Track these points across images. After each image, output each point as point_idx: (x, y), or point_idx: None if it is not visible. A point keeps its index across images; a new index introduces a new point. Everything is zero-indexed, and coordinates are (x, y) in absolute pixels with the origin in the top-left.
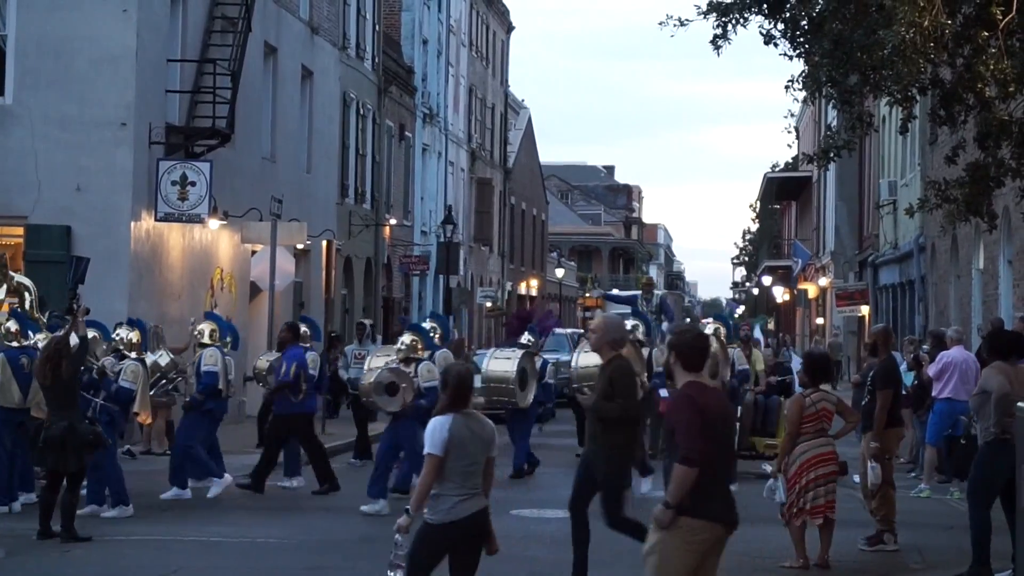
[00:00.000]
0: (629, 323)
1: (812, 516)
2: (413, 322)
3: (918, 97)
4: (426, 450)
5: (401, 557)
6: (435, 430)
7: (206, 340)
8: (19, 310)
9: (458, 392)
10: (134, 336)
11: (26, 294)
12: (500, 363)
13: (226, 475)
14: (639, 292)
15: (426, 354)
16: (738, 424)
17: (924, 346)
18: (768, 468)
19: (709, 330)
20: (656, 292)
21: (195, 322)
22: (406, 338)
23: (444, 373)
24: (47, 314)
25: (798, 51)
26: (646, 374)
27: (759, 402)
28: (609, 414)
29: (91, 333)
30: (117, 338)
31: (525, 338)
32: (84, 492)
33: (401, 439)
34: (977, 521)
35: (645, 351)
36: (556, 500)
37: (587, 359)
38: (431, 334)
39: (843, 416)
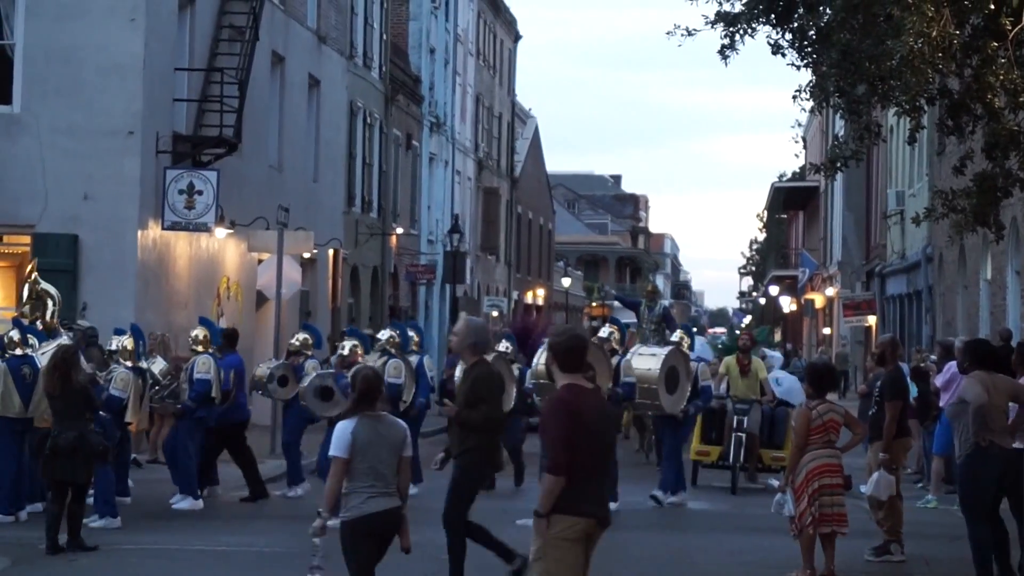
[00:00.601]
0: (605, 330)
1: (820, 524)
2: (353, 328)
3: (926, 107)
4: (331, 452)
5: (320, 559)
6: (340, 434)
7: (199, 347)
8: (23, 319)
9: (364, 395)
10: (128, 343)
11: (49, 302)
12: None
13: (199, 501)
14: (640, 302)
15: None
16: (744, 436)
17: (931, 356)
18: (775, 483)
19: (604, 333)
20: (661, 302)
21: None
22: (348, 344)
23: (352, 376)
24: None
25: (806, 61)
26: (611, 383)
27: (766, 413)
28: (472, 422)
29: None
30: (117, 347)
31: (503, 345)
32: (90, 501)
33: None
34: (975, 536)
35: (615, 359)
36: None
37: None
38: (409, 341)
39: (850, 428)
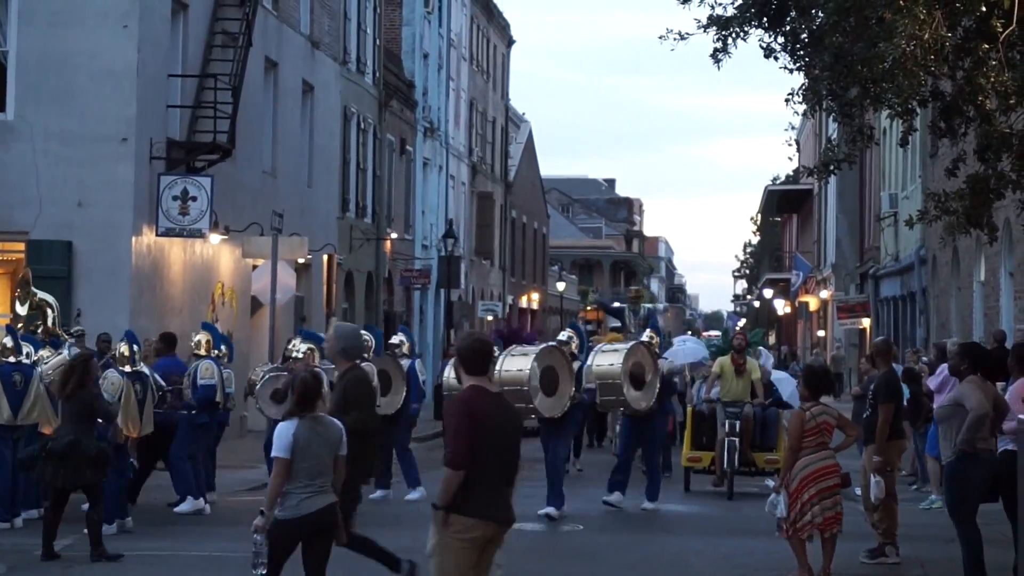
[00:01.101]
0: (564, 334)
1: (823, 529)
2: (309, 331)
3: (918, 110)
4: (273, 453)
5: (263, 555)
6: (281, 434)
7: (201, 352)
8: (17, 327)
9: (303, 398)
10: (124, 349)
11: (48, 311)
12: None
13: (201, 500)
14: (625, 306)
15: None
16: (737, 440)
17: (924, 357)
18: (771, 483)
19: (563, 336)
20: (645, 305)
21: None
22: (302, 347)
23: (294, 380)
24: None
25: (798, 64)
26: (574, 388)
27: (757, 416)
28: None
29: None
30: (118, 354)
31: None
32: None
33: None
34: (965, 538)
35: (576, 364)
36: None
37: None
38: (400, 347)
39: (843, 430)
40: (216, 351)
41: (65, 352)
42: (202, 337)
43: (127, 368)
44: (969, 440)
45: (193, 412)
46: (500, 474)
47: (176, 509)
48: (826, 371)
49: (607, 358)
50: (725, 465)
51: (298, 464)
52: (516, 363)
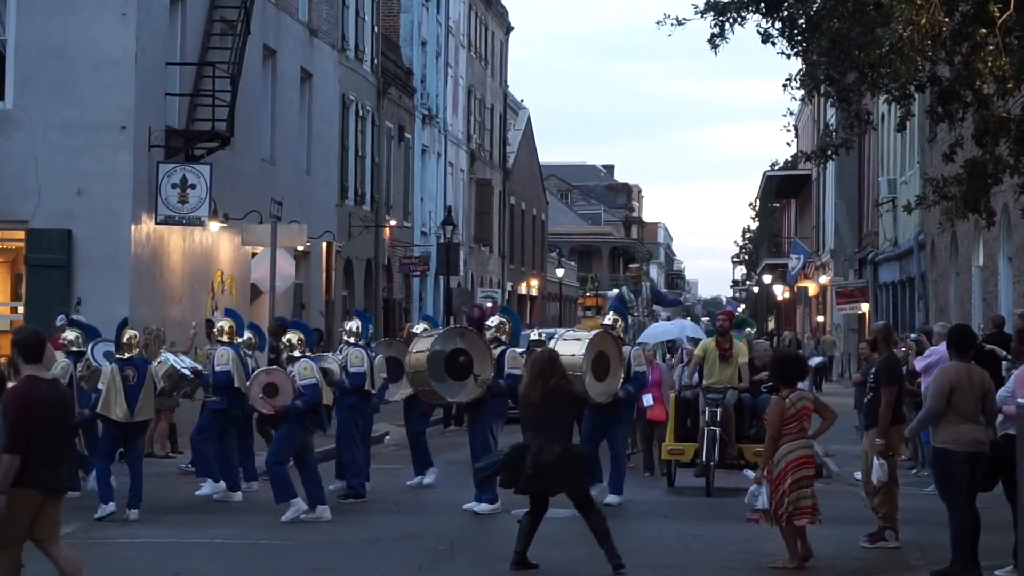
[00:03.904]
0: (494, 320)
1: (798, 517)
2: (296, 320)
3: (916, 95)
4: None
5: None
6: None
7: (224, 338)
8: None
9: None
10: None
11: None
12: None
13: (222, 484)
14: (623, 287)
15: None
16: (718, 430)
17: (912, 335)
18: (751, 475)
19: (492, 322)
20: (644, 283)
21: (196, 324)
22: (293, 337)
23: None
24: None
25: (796, 49)
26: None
27: (747, 403)
28: None
29: (72, 334)
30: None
31: (419, 327)
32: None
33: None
34: (955, 519)
35: (499, 350)
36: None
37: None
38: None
39: (820, 414)
40: (240, 338)
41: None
42: (225, 324)
43: (126, 355)
44: (913, 430)
45: (215, 399)
46: (54, 448)
47: (197, 493)
48: (796, 357)
49: (569, 347)
50: (704, 457)
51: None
52: (569, 347)
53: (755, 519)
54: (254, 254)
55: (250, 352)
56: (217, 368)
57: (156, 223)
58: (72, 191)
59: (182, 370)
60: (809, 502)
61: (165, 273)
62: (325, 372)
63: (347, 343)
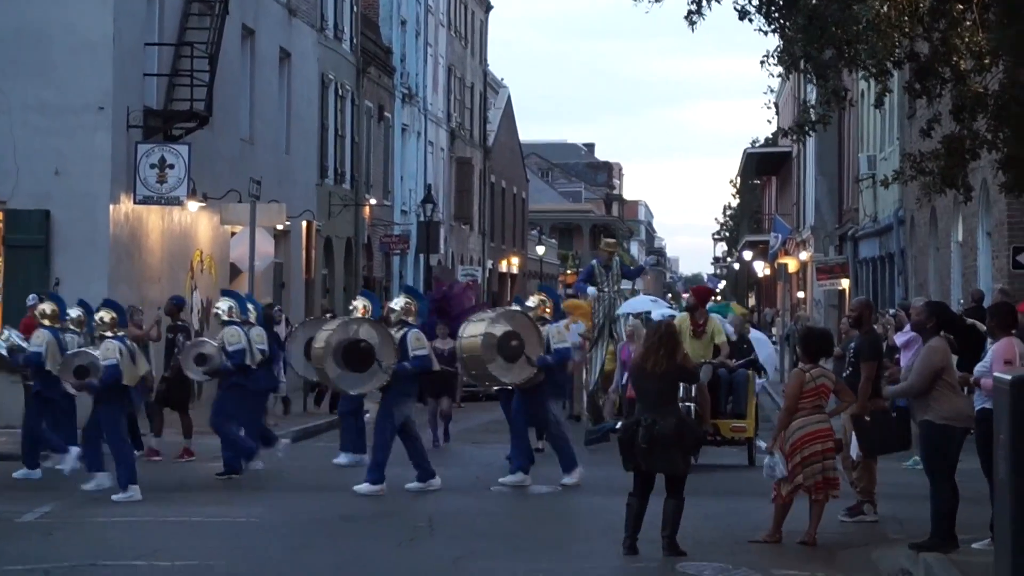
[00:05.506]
0: (400, 301)
1: (813, 492)
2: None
3: (893, 71)
4: None
5: None
6: None
7: (225, 318)
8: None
9: None
10: (75, 313)
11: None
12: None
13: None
14: (594, 260)
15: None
16: (692, 406)
17: (891, 310)
18: (763, 444)
19: (396, 305)
20: (615, 259)
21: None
22: (223, 305)
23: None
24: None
25: (773, 26)
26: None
27: (723, 379)
28: None
29: (49, 306)
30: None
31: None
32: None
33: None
34: (939, 494)
35: (402, 332)
36: (538, 476)
37: (474, 328)
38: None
39: (838, 396)
40: (243, 317)
41: None
42: (223, 304)
43: (109, 334)
44: (893, 394)
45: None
46: None
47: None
48: (824, 334)
49: (473, 328)
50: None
51: None
52: (473, 329)
53: (778, 498)
54: (233, 233)
55: (78, 331)
56: (230, 347)
57: (135, 203)
58: (50, 172)
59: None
60: (822, 476)
61: (144, 253)
62: (204, 357)
63: (223, 321)
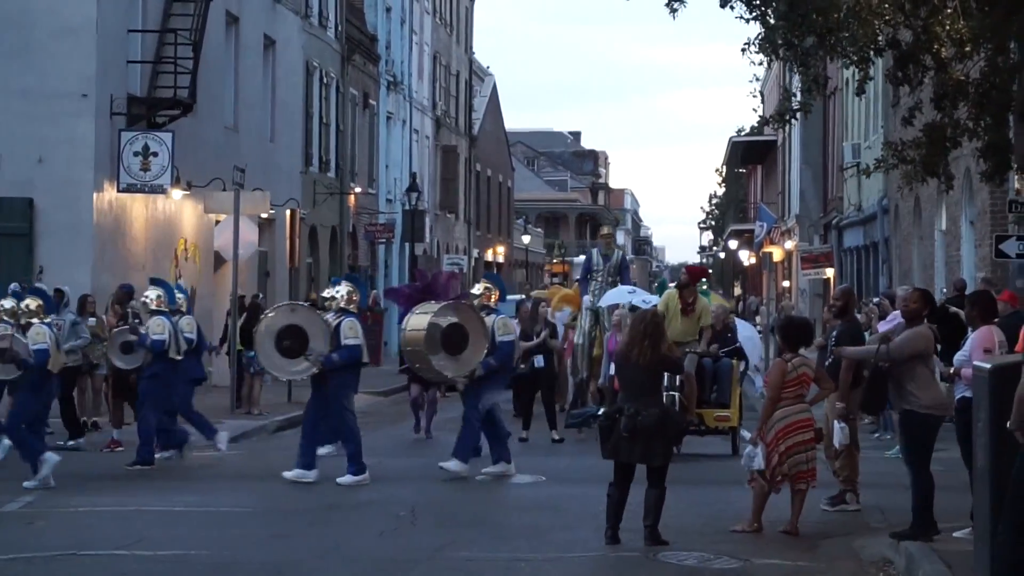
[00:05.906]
0: (343, 289)
1: (795, 481)
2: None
3: (874, 59)
4: None
5: None
6: None
7: (153, 307)
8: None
9: None
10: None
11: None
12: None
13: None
14: (594, 249)
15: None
16: (676, 396)
17: (875, 299)
18: (747, 434)
19: (336, 294)
20: (617, 251)
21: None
22: (152, 294)
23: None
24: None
25: (754, 13)
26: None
27: (708, 368)
28: None
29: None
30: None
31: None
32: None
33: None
34: (919, 483)
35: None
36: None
37: (417, 321)
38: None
39: (818, 384)
40: (171, 306)
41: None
42: (152, 293)
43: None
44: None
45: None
46: None
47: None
48: (805, 323)
49: (416, 321)
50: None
51: None
52: (417, 321)
53: (753, 482)
54: (217, 222)
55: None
56: (154, 337)
57: (118, 191)
58: (33, 159)
59: None
60: (806, 467)
61: (128, 241)
62: (130, 345)
63: (151, 311)
